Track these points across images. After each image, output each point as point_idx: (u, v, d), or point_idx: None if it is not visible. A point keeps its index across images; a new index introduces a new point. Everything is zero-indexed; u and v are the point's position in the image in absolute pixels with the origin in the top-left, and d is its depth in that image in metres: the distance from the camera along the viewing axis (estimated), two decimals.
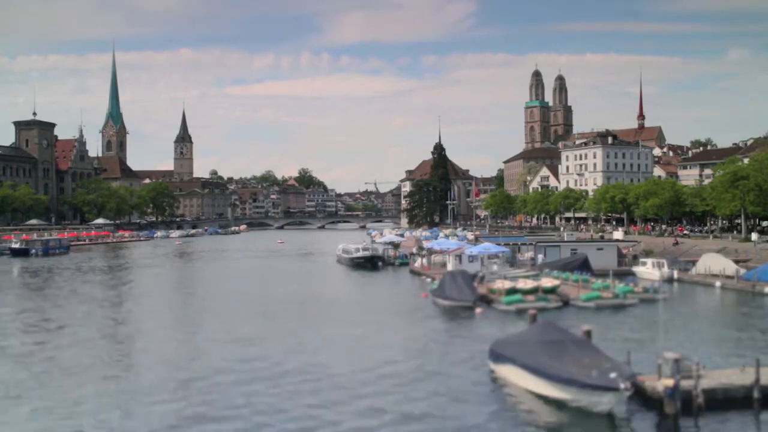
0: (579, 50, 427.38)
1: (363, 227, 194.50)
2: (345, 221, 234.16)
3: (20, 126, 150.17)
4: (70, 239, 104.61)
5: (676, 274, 49.58)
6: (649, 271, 50.66)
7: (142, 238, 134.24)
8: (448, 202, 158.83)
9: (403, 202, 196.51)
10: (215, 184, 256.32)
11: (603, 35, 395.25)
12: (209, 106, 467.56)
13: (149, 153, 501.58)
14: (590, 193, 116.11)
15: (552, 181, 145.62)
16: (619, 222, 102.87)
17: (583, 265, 49.14)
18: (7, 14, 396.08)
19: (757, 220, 78.93)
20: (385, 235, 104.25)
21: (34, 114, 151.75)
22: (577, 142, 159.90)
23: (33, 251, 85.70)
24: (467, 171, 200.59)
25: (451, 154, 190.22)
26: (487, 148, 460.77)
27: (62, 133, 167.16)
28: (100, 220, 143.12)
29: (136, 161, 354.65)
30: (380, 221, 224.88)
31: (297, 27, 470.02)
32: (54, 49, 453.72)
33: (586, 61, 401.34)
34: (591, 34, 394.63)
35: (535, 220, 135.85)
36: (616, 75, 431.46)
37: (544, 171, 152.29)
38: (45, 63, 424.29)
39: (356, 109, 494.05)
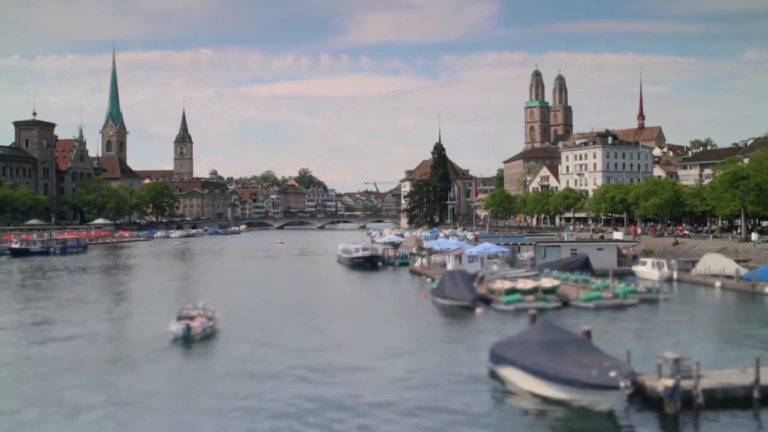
0: (598, 50, 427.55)
1: (363, 227, 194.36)
2: (345, 221, 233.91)
3: (20, 126, 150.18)
4: (75, 239, 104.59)
5: (675, 274, 49.58)
6: (648, 271, 50.65)
7: (141, 238, 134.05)
8: (448, 202, 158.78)
9: (403, 202, 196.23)
10: (215, 184, 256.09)
11: (621, 35, 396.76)
12: (223, 106, 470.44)
13: (150, 153, 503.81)
14: (590, 193, 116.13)
15: (552, 181, 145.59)
16: (619, 222, 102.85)
17: (584, 266, 49.13)
18: (27, 15, 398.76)
19: (757, 220, 78.92)
20: (385, 235, 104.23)
21: (34, 114, 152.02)
22: (577, 142, 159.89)
23: (51, 250, 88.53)
24: (467, 171, 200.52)
25: (453, 154, 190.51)
26: (487, 148, 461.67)
27: (73, 133, 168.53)
28: (99, 220, 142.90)
29: (136, 161, 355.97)
30: (380, 221, 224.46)
31: (318, 28, 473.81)
32: (72, 50, 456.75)
33: (605, 61, 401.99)
34: (610, 35, 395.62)
35: (534, 221, 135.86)
36: (632, 75, 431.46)
37: (544, 171, 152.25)
38: (63, 63, 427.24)
39: (367, 109, 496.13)
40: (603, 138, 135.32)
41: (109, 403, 20.38)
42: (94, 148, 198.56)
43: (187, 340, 27.96)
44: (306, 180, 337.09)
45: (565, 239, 70.73)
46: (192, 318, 29.33)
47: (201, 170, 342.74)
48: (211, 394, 21.16)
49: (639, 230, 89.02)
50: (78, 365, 25.24)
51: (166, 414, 19.62)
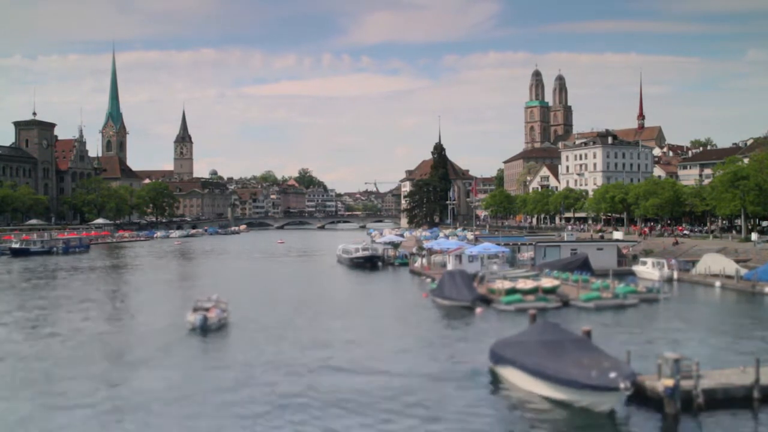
0: (599, 50, 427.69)
1: (363, 227, 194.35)
2: (345, 221, 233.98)
3: (20, 126, 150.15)
4: (78, 238, 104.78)
5: (675, 274, 49.56)
6: (648, 271, 50.64)
7: (141, 238, 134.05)
8: (448, 202, 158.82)
9: (403, 202, 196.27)
10: (215, 184, 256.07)
11: (622, 35, 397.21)
12: (224, 106, 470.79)
13: (150, 153, 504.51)
14: (590, 193, 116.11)
15: (552, 181, 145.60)
16: (619, 222, 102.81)
17: (584, 265, 49.12)
18: (28, 15, 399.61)
19: (757, 220, 78.93)
20: (385, 235, 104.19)
21: (34, 114, 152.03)
22: (577, 142, 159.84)
23: (54, 250, 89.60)
24: (467, 171, 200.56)
25: (453, 154, 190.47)
26: (487, 148, 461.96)
27: (73, 133, 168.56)
28: (99, 220, 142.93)
29: (136, 161, 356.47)
30: (380, 221, 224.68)
31: (320, 28, 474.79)
32: (73, 50, 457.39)
33: (606, 61, 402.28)
34: (611, 35, 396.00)
35: (534, 220, 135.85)
36: (633, 75, 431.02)
37: (544, 171, 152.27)
38: (64, 63, 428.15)
39: (368, 109, 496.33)
40: (603, 138, 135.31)
41: (144, 384, 22.44)
42: (95, 148, 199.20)
43: (204, 329, 30.52)
44: (306, 180, 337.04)
45: (565, 239, 70.69)
46: (207, 309, 31.80)
47: (201, 170, 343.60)
48: (232, 374, 23.43)
49: (648, 230, 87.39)
50: (107, 353, 27.49)
51: (195, 392, 21.39)
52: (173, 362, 25.64)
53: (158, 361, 25.88)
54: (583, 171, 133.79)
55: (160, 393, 21.18)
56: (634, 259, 59.40)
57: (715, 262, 49.26)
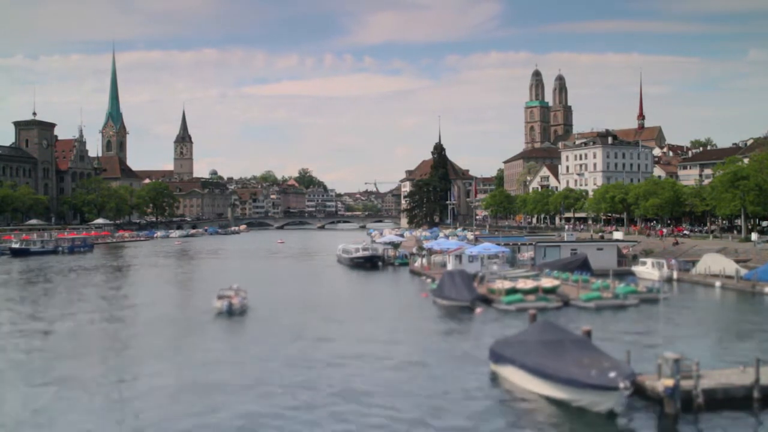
0: (600, 50, 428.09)
1: (363, 227, 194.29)
2: (345, 221, 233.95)
3: (20, 126, 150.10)
4: (83, 238, 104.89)
5: (675, 274, 49.55)
6: (648, 271, 50.63)
7: (142, 238, 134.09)
8: (448, 202, 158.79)
9: (403, 202, 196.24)
10: (215, 184, 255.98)
11: (623, 35, 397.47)
12: (226, 106, 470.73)
13: (150, 153, 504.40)
14: (590, 193, 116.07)
15: (552, 181, 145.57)
16: (619, 222, 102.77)
17: (583, 265, 49.12)
18: (30, 15, 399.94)
19: (757, 220, 78.91)
20: (385, 235, 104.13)
21: (34, 114, 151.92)
22: (577, 142, 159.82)
23: (59, 249, 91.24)
24: (467, 171, 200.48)
25: (453, 154, 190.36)
26: (487, 148, 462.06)
27: (74, 133, 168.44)
28: (99, 220, 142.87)
29: (136, 161, 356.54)
30: (380, 221, 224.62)
31: (322, 28, 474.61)
32: (75, 50, 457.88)
33: (606, 61, 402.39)
34: (612, 35, 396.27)
35: (534, 220, 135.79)
36: (634, 75, 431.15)
37: (544, 171, 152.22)
38: (66, 63, 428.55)
39: (369, 109, 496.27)
40: (603, 138, 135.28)
41: (197, 354, 27.04)
42: (95, 148, 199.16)
43: (229, 312, 35.18)
44: (306, 180, 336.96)
45: (565, 239, 70.66)
46: (231, 297, 36.32)
47: (201, 170, 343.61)
48: (260, 347, 28.27)
49: (664, 231, 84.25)
50: (157, 333, 32.18)
51: (234, 357, 26.40)
52: (213, 337, 30.82)
53: (200, 336, 30.98)
54: (583, 171, 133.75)
55: (210, 359, 26.00)
56: (634, 259, 59.40)
57: (715, 262, 49.25)
